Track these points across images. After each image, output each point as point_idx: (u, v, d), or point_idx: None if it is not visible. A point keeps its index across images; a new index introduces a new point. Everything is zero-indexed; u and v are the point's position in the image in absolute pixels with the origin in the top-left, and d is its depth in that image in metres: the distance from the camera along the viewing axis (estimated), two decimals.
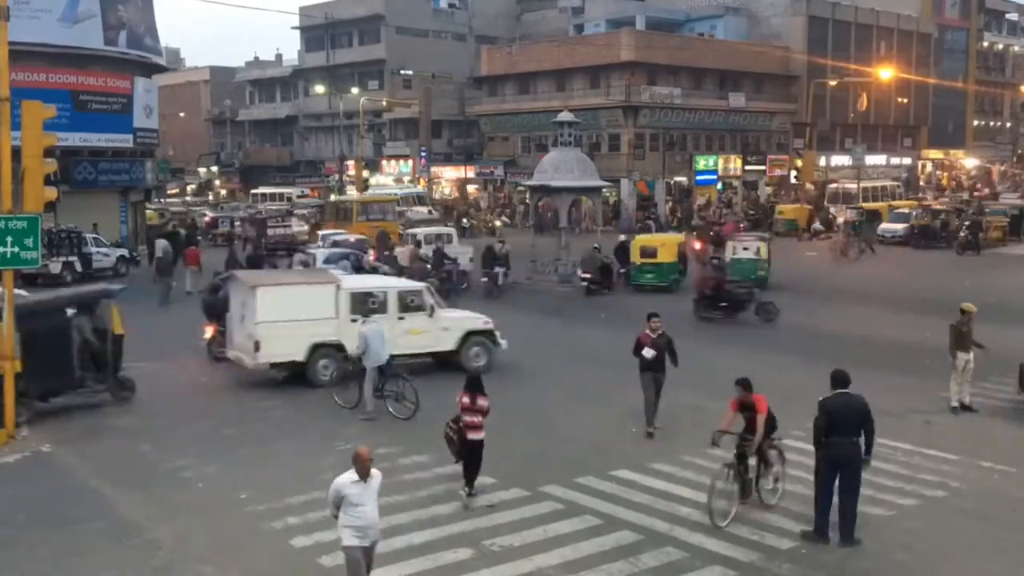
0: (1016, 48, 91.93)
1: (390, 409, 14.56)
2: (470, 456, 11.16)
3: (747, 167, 62.68)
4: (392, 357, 14.95)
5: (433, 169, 65.09)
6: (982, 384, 16.23)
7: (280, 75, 77.74)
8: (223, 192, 75.51)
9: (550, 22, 72.29)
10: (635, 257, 29.23)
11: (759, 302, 23.65)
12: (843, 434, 9.64)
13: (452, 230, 35.45)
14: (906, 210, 45.22)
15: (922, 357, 18.45)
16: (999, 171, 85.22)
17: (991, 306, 24.35)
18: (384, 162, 69.92)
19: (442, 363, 17.51)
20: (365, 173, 58.21)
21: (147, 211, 45.87)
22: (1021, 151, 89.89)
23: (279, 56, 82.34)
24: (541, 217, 37.98)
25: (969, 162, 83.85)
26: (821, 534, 9.68)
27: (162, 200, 60.81)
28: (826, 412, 9.70)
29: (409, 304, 17.27)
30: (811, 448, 12.66)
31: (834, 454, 9.67)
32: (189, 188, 75.55)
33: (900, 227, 42.45)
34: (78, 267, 31.86)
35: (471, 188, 65.50)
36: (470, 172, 64.74)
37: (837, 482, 9.67)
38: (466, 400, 11.21)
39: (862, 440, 9.83)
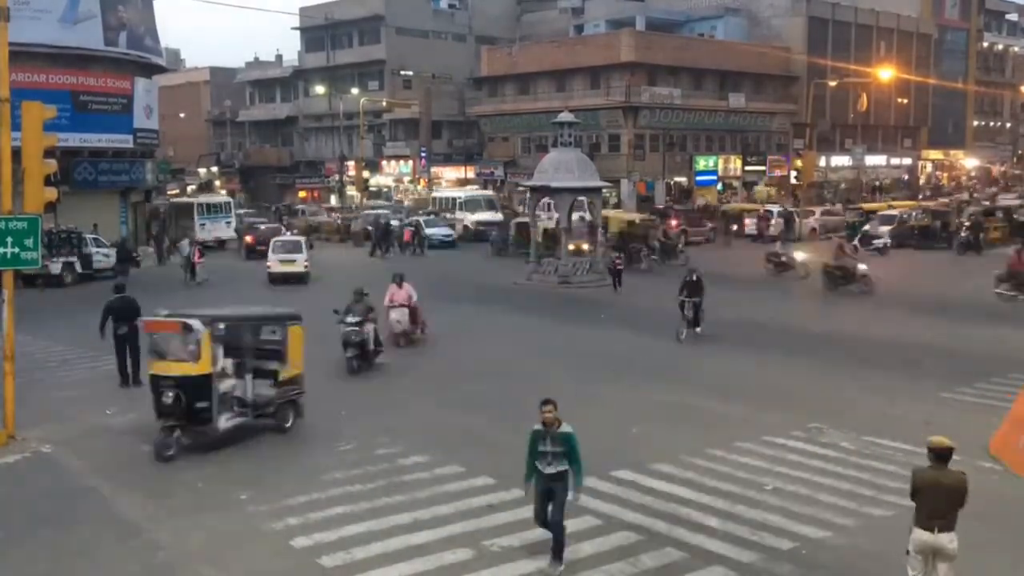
0: (1016, 49, 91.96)
1: None
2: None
3: (747, 168, 62.73)
4: None
5: (433, 170, 65.09)
6: (981, 384, 16.23)
7: (280, 76, 77.65)
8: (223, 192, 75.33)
9: (550, 22, 72.27)
10: None
11: None
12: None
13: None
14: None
15: (922, 357, 18.45)
16: (998, 171, 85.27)
17: (991, 305, 24.48)
18: (384, 162, 69.91)
19: None
20: (365, 174, 58.22)
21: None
22: (1021, 151, 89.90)
23: (279, 57, 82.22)
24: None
25: (969, 162, 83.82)
26: None
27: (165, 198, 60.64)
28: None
29: None
30: (808, 447, 12.77)
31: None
32: (189, 189, 75.42)
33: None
34: (78, 267, 31.95)
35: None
36: (470, 172, 64.75)
37: None
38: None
39: None
